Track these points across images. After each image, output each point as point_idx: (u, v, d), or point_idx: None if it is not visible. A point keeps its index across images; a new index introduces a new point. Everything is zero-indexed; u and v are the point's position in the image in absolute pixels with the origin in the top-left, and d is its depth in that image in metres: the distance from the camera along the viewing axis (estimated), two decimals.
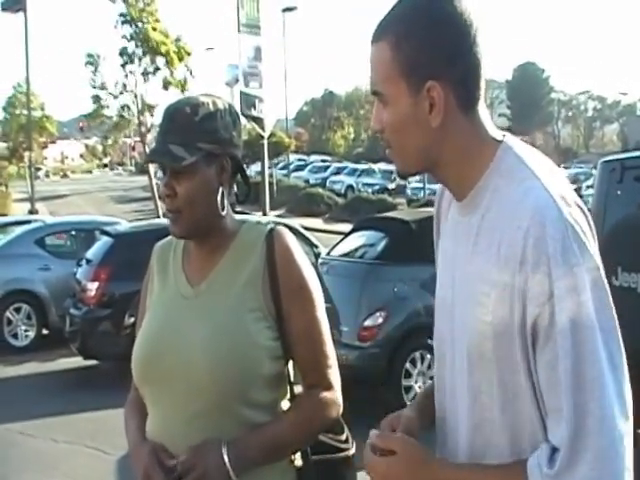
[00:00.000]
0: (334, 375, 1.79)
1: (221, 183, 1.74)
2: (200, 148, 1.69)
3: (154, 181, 24.43)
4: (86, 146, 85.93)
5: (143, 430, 1.76)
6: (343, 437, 1.85)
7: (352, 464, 1.86)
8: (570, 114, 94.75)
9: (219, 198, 1.74)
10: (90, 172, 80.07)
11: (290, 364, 1.78)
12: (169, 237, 1.89)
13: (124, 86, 24.96)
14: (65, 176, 69.02)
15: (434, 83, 1.31)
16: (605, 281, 1.26)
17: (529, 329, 1.24)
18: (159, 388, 1.73)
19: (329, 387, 1.77)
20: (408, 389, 6.84)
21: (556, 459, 1.21)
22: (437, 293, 1.51)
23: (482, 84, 1.35)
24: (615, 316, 1.25)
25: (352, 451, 1.86)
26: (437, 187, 1.59)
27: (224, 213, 1.76)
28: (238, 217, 1.86)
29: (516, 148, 1.36)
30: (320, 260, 8.03)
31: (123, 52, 24.34)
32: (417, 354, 6.88)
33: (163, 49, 23.37)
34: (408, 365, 6.84)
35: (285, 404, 1.79)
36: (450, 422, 1.44)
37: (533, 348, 1.25)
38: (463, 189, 1.38)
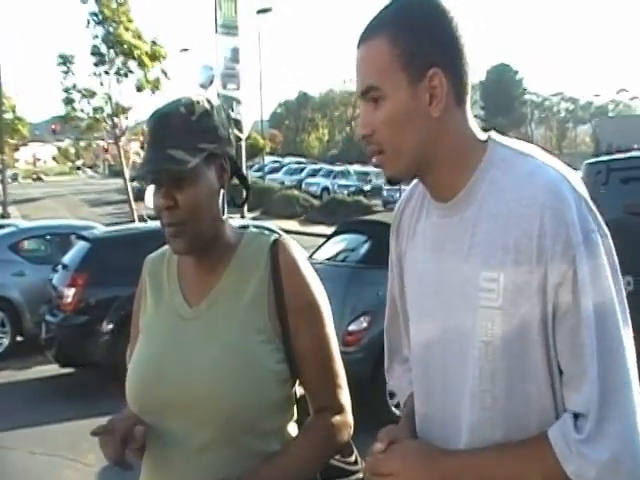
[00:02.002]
0: (345, 396, 1.68)
1: (222, 185, 1.62)
2: (202, 149, 1.55)
3: (129, 184, 24.19)
4: (59, 149, 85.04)
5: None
6: (352, 459, 1.74)
7: None
8: (543, 115, 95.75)
9: (220, 202, 1.61)
10: (71, 173, 79.23)
11: (296, 384, 1.67)
12: (162, 249, 1.75)
13: (99, 85, 24.70)
14: (39, 179, 68.16)
15: (437, 70, 1.30)
16: (613, 247, 1.28)
17: (551, 299, 1.24)
18: (158, 420, 1.57)
19: (340, 409, 1.66)
20: (393, 394, 6.77)
21: (582, 424, 1.21)
22: (414, 302, 1.47)
23: (470, 82, 1.36)
24: (621, 279, 1.28)
25: (362, 474, 1.73)
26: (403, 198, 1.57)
27: (224, 218, 1.64)
28: (236, 224, 1.74)
29: (505, 141, 1.37)
30: None
31: (95, 52, 24.08)
32: None
33: (136, 52, 23.16)
34: None
35: (292, 426, 1.68)
36: (443, 425, 1.40)
37: (553, 318, 1.25)
38: (454, 188, 1.36)
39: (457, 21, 1.34)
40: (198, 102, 1.60)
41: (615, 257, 1.28)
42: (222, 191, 1.62)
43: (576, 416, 1.23)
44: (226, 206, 1.66)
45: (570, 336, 1.23)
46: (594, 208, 1.28)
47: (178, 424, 1.55)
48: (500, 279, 1.26)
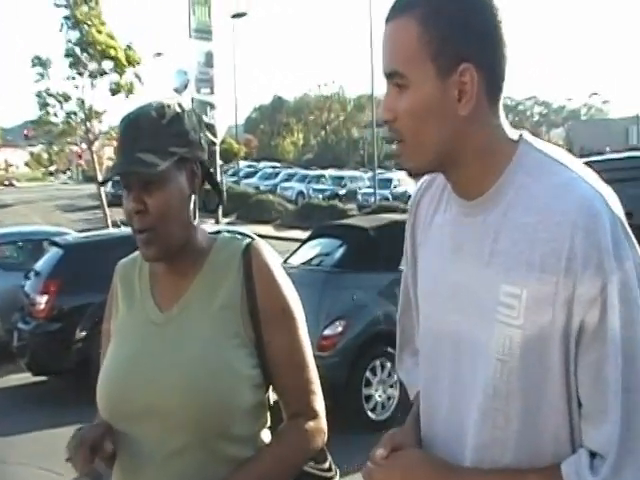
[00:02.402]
0: (319, 402, 1.66)
1: (193, 190, 1.60)
2: (172, 152, 1.54)
3: (102, 189, 23.99)
4: (31, 154, 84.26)
5: None
6: (326, 465, 1.72)
7: None
8: (517, 119, 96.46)
9: (191, 207, 1.59)
10: (44, 179, 78.36)
11: (270, 390, 1.66)
12: (134, 254, 1.73)
13: (73, 89, 24.48)
14: (11, 185, 67.36)
15: (468, 65, 1.19)
16: None
17: (575, 327, 1.15)
18: (129, 427, 1.55)
19: (314, 415, 1.65)
20: (368, 398, 6.77)
21: (599, 465, 1.13)
22: (426, 298, 1.39)
23: (506, 78, 1.25)
24: None
25: (336, 479, 1.73)
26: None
27: (195, 223, 1.62)
28: (209, 229, 1.72)
29: (537, 144, 1.27)
30: None
31: (69, 54, 23.88)
32: (377, 362, 6.82)
33: (112, 52, 23.01)
34: (368, 374, 6.77)
35: (265, 432, 1.66)
36: (447, 444, 1.32)
37: (576, 347, 1.16)
38: (479, 187, 1.26)
39: (498, 9, 1.21)
40: (169, 106, 1.58)
41: None
42: (193, 196, 1.61)
43: (593, 454, 1.15)
44: (197, 211, 1.65)
45: (593, 369, 1.15)
46: (629, 231, 1.19)
47: (150, 430, 1.53)
48: (522, 296, 1.17)
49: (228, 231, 1.81)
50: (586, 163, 1.18)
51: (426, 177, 1.45)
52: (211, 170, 1.68)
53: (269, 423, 1.67)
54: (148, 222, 1.54)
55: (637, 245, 1.19)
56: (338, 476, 1.74)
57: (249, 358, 1.57)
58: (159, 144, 1.53)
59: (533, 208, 1.19)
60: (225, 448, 1.55)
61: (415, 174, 1.32)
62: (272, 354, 1.59)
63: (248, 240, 1.66)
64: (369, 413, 6.77)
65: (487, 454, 1.24)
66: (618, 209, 1.19)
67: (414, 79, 1.21)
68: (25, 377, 8.55)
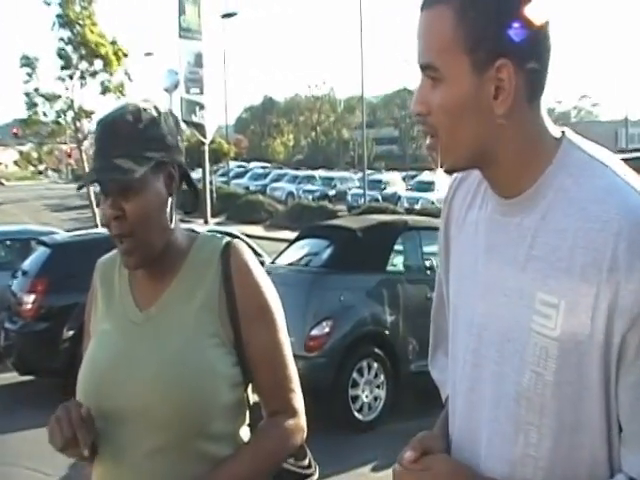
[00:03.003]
0: (298, 400, 1.68)
1: (170, 193, 1.61)
2: (149, 157, 1.54)
3: (92, 189, 23.93)
4: (20, 153, 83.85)
5: None
6: (306, 462, 1.73)
7: None
8: None
9: (168, 210, 1.60)
10: (33, 178, 77.81)
11: (249, 388, 1.67)
12: (112, 252, 1.74)
13: (63, 91, 24.41)
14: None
15: (506, 61, 1.11)
16: None
17: (616, 345, 1.08)
18: (108, 425, 1.56)
19: (293, 413, 1.66)
20: (355, 398, 6.79)
21: None
22: (456, 297, 1.34)
23: (548, 75, 1.18)
24: None
25: (315, 476, 1.74)
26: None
27: (173, 226, 1.63)
28: (188, 229, 1.73)
29: (581, 143, 1.20)
30: (264, 268, 7.89)
31: (61, 54, 23.81)
32: (364, 363, 6.84)
33: (102, 50, 22.94)
34: (355, 374, 6.80)
35: (244, 430, 1.68)
36: (460, 454, 1.28)
37: (617, 367, 1.09)
38: (517, 187, 1.19)
39: (540, 3, 1.13)
40: (145, 110, 1.57)
41: None
42: (171, 199, 1.61)
43: (632, 478, 1.10)
44: (175, 214, 1.65)
45: (634, 391, 1.09)
46: None
47: (129, 429, 1.54)
48: (560, 307, 1.11)
49: (210, 231, 1.82)
50: None
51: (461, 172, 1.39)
52: (188, 171, 1.68)
53: (248, 421, 1.69)
54: (126, 228, 1.55)
55: None
56: (317, 473, 1.75)
57: (228, 357, 1.58)
58: (136, 149, 1.53)
59: (573, 213, 1.13)
60: (204, 446, 1.56)
61: (450, 171, 1.26)
62: (251, 353, 1.60)
63: (227, 239, 1.67)
64: (356, 414, 6.78)
65: (518, 471, 1.18)
66: None
67: (448, 73, 1.14)
68: (12, 377, 8.51)
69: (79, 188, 1.67)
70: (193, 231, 1.74)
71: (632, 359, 1.08)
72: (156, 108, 1.60)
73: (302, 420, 1.68)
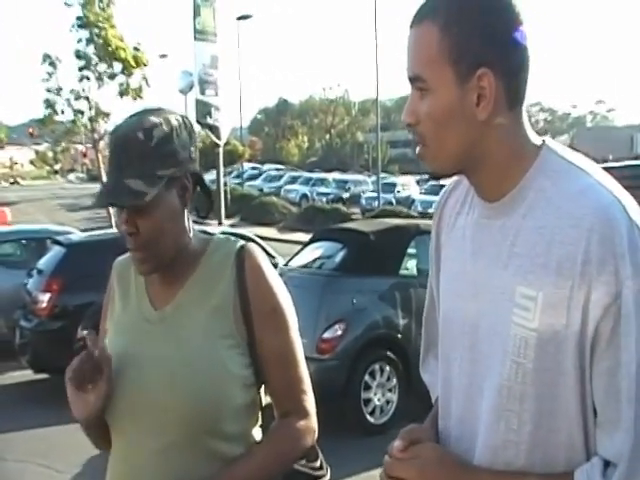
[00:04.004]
0: (309, 401, 1.70)
1: (185, 204, 1.63)
2: (160, 176, 1.55)
3: None
4: (36, 152, 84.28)
5: None
6: (317, 464, 1.75)
7: None
8: None
9: (183, 220, 1.63)
10: (49, 177, 78.02)
11: (262, 389, 1.70)
12: (129, 253, 1.78)
13: (81, 91, 24.58)
14: (16, 183, 67.26)
15: (486, 71, 1.20)
16: None
17: (590, 333, 1.15)
18: (123, 422, 1.61)
19: (305, 414, 1.68)
20: (367, 402, 6.79)
21: (611, 474, 1.14)
22: (446, 306, 1.40)
23: (528, 83, 1.27)
24: None
25: (327, 478, 1.76)
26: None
27: (191, 235, 1.66)
28: (202, 232, 1.75)
29: (560, 150, 1.28)
30: (277, 271, 7.91)
31: (79, 55, 23.97)
32: (376, 366, 6.84)
33: (122, 54, 23.08)
34: (367, 377, 6.79)
35: (256, 430, 1.70)
36: (460, 443, 1.34)
37: (591, 354, 1.16)
38: (500, 191, 1.28)
39: (521, 17, 1.23)
40: (157, 125, 1.56)
41: None
42: (185, 210, 1.64)
43: (607, 463, 1.15)
44: (190, 221, 1.67)
45: (607, 377, 1.15)
46: None
47: (141, 425, 1.58)
48: (538, 299, 1.18)
49: (223, 233, 1.84)
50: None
51: (452, 180, 1.48)
52: (202, 175, 1.70)
53: (260, 422, 1.71)
54: (141, 242, 1.59)
55: None
56: (329, 474, 1.77)
57: (241, 358, 1.61)
58: (147, 169, 1.54)
59: (551, 212, 1.20)
60: (216, 445, 1.58)
61: (437, 176, 1.34)
62: (263, 354, 1.62)
63: (241, 242, 1.70)
64: (368, 417, 6.78)
65: (500, 456, 1.24)
66: (637, 216, 1.19)
67: (434, 83, 1.23)
68: (26, 375, 8.60)
69: (92, 207, 1.69)
70: (207, 233, 1.76)
71: (605, 346, 1.15)
72: (168, 121, 1.59)
73: (313, 421, 1.70)
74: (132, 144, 1.54)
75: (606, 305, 1.13)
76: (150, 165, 1.54)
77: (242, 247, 1.68)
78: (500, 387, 1.23)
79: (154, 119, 1.58)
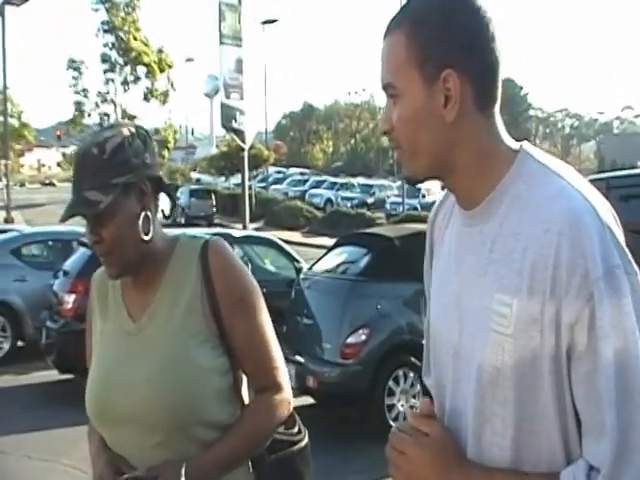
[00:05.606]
0: (282, 375, 1.80)
1: (144, 208, 1.71)
2: (115, 184, 1.65)
3: None
4: (63, 154, 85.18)
5: (105, 442, 1.76)
6: (295, 429, 1.88)
7: (307, 454, 1.90)
8: (548, 131, 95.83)
9: (140, 223, 1.70)
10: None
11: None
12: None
13: (106, 94, 24.85)
14: (51, 184, 67.45)
15: (450, 71, 1.23)
16: None
17: (565, 336, 1.15)
18: (114, 430, 1.72)
19: (278, 388, 1.78)
20: (391, 407, 6.77)
21: (595, 477, 1.14)
22: (434, 317, 1.42)
23: (499, 85, 1.28)
24: None
25: (305, 441, 1.89)
26: (432, 204, 1.52)
27: (148, 237, 1.71)
28: (171, 234, 1.82)
29: (536, 154, 1.29)
30: (302, 275, 7.95)
31: (105, 59, 24.25)
32: (400, 372, 6.82)
33: (145, 59, 23.30)
34: (391, 383, 6.78)
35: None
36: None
37: (568, 359, 1.16)
38: (476, 196, 1.29)
39: (487, 18, 1.25)
40: (108, 138, 1.67)
41: None
42: (145, 213, 1.71)
43: (591, 466, 1.15)
44: (154, 223, 1.73)
45: (586, 383, 1.15)
46: (622, 241, 1.18)
47: (131, 431, 1.68)
48: (513, 305, 1.19)
49: (215, 234, 1.89)
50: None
51: (442, 194, 1.50)
52: (163, 181, 1.78)
53: (245, 405, 1.79)
54: (104, 249, 1.69)
55: (629, 255, 1.18)
56: (307, 437, 1.90)
57: (213, 350, 1.70)
58: (102, 180, 1.65)
59: (526, 217, 1.21)
60: (205, 434, 1.69)
61: (413, 181, 1.36)
62: (234, 341, 1.72)
63: (205, 238, 1.78)
64: (391, 423, 6.75)
65: (485, 460, 1.25)
66: (609, 219, 1.20)
67: (403, 88, 1.26)
68: (52, 374, 8.67)
69: (61, 221, 1.76)
70: (178, 236, 1.83)
71: (581, 352, 1.15)
72: (120, 133, 1.69)
73: (287, 393, 1.80)
74: (87, 159, 1.66)
75: (579, 309, 1.13)
76: (104, 175, 1.65)
77: (206, 242, 1.76)
78: (483, 391, 1.25)
79: (107, 133, 1.70)
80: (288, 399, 1.80)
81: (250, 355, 1.74)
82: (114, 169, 1.65)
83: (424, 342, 1.62)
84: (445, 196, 1.48)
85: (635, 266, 1.18)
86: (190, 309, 1.70)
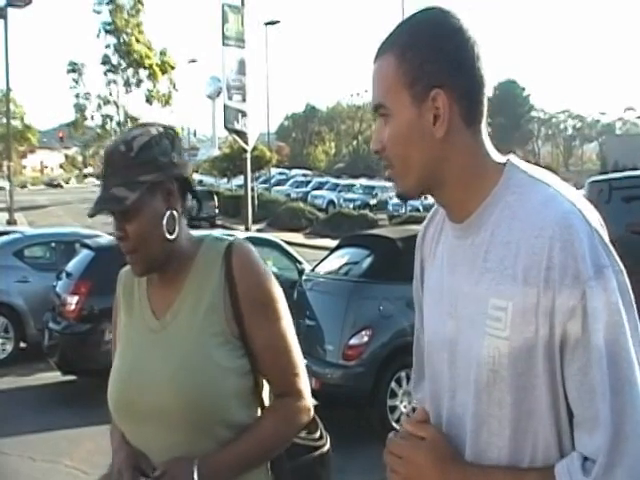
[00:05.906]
0: (303, 382, 1.80)
1: (170, 207, 1.72)
2: (142, 182, 1.67)
3: None
4: (66, 156, 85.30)
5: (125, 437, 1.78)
6: (317, 435, 1.88)
7: (328, 460, 1.90)
8: (550, 132, 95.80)
9: (165, 222, 1.71)
10: (80, 181, 78.61)
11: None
12: None
13: (108, 96, 24.89)
14: (59, 186, 67.21)
15: (439, 91, 1.29)
16: (629, 285, 1.24)
17: (558, 337, 1.21)
18: (136, 426, 1.73)
19: (298, 395, 1.79)
20: (393, 409, 6.77)
21: (591, 467, 1.18)
22: (429, 331, 1.46)
23: (485, 102, 1.35)
24: (638, 318, 1.24)
25: (327, 447, 1.89)
26: (428, 208, 1.53)
27: (173, 237, 1.73)
28: (197, 235, 1.83)
29: (523, 166, 1.35)
30: (304, 277, 7.95)
31: (106, 61, 24.29)
32: (403, 373, 6.80)
33: (147, 62, 23.34)
34: (394, 385, 6.77)
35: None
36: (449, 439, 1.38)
37: (561, 356, 1.22)
38: (467, 209, 1.35)
39: (472, 40, 1.32)
40: (136, 137, 1.70)
41: (631, 295, 1.23)
42: (171, 212, 1.72)
43: (585, 458, 1.20)
44: (179, 224, 1.74)
45: (579, 376, 1.20)
46: (608, 243, 1.24)
47: (154, 428, 1.69)
48: (508, 309, 1.24)
49: (225, 234, 1.88)
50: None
51: (431, 210, 1.56)
52: (191, 182, 1.79)
53: (265, 406, 1.80)
54: (130, 246, 1.71)
55: (616, 255, 1.24)
56: (329, 442, 1.91)
57: (234, 351, 1.71)
58: (129, 177, 1.67)
59: (516, 226, 1.27)
60: (225, 433, 1.69)
61: (406, 197, 1.43)
62: (256, 344, 1.72)
63: (230, 240, 1.78)
64: (394, 424, 6.74)
65: (483, 460, 1.29)
66: (595, 222, 1.25)
67: (394, 108, 1.32)
68: (55, 376, 8.70)
69: (90, 216, 1.77)
70: (203, 237, 1.84)
71: (574, 347, 1.20)
72: (147, 132, 1.72)
73: (307, 400, 1.80)
74: (115, 157, 1.69)
75: (571, 307, 1.19)
76: (132, 173, 1.67)
77: (230, 244, 1.76)
78: (480, 394, 1.29)
79: (135, 132, 1.72)
80: (307, 406, 1.80)
81: (270, 360, 1.74)
82: (141, 167, 1.67)
83: (414, 359, 1.69)
84: (434, 212, 1.53)
85: (621, 265, 1.24)
86: (212, 310, 1.71)
